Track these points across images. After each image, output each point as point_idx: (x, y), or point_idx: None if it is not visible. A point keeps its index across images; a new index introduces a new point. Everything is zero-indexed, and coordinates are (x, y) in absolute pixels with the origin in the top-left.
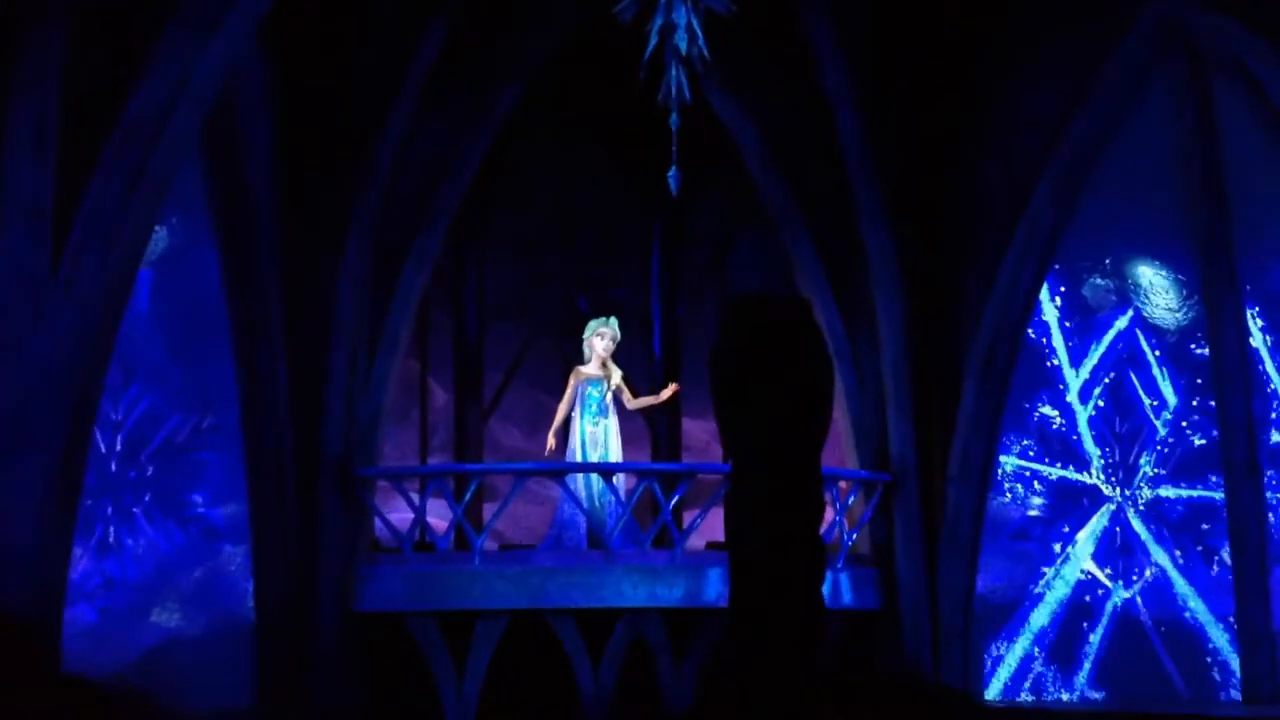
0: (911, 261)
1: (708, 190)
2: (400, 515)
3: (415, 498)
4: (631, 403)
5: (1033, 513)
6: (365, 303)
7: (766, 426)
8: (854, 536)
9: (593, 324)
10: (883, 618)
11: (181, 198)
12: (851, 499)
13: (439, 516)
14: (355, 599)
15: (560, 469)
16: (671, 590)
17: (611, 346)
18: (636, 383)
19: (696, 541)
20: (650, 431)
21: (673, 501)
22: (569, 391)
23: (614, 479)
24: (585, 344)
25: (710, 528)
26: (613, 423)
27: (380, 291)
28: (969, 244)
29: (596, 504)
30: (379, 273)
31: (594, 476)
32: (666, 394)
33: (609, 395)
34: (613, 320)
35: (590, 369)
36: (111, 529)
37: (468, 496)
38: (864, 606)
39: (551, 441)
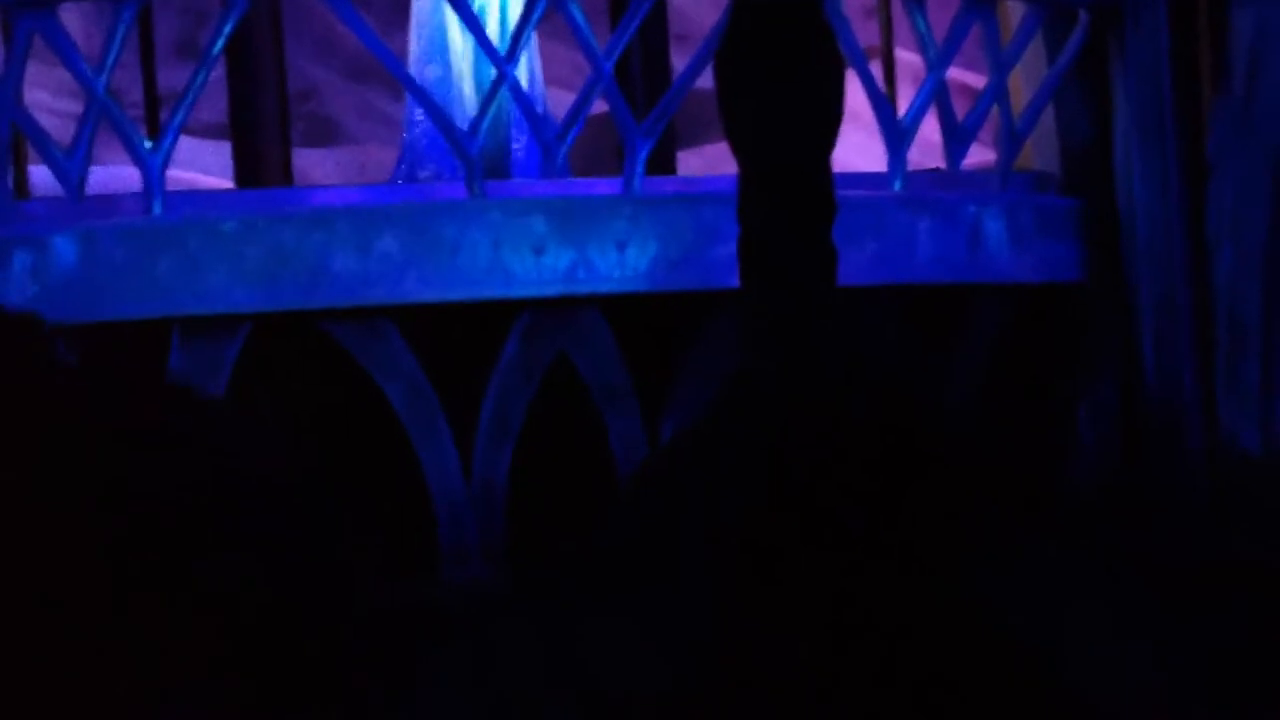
0: None
1: None
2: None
3: None
4: None
5: None
6: None
7: (773, 130)
8: (1023, 130)
9: None
10: (1090, 303)
11: None
12: (1014, 47)
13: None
14: None
15: None
16: (626, 256)
17: None
18: None
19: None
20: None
21: (618, 49)
22: None
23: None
24: None
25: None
26: None
27: None
28: None
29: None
30: None
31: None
32: None
33: None
34: None
35: None
36: None
37: (109, 60)
38: (1049, 278)
39: None
